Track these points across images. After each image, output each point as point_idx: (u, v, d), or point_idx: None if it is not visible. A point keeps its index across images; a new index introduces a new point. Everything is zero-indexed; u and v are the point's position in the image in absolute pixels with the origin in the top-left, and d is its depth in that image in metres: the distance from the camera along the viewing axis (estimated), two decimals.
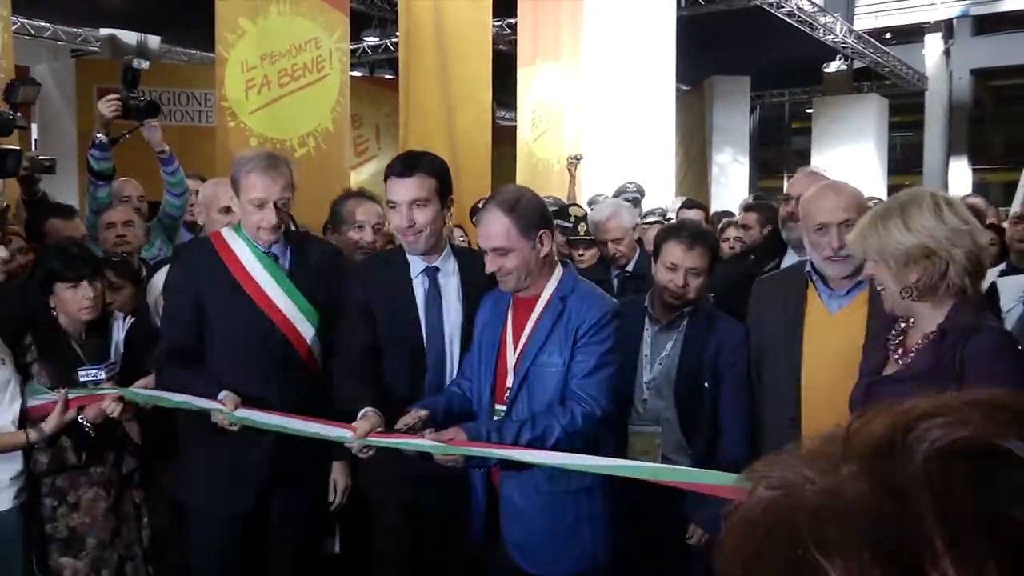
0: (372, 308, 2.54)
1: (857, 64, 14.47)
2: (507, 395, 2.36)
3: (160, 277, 2.92)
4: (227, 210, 3.16)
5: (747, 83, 13.36)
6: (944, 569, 0.41)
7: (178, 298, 2.63)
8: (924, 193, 1.94)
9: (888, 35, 16.52)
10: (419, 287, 2.57)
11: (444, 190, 2.54)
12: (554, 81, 7.96)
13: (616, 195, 5.49)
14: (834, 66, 14.50)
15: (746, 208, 5.08)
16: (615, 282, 3.93)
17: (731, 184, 12.73)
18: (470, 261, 2.61)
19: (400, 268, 2.59)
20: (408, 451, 2.30)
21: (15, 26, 6.71)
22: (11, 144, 3.45)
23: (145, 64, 4.05)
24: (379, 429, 2.30)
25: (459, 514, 2.50)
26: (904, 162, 17.68)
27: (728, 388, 2.62)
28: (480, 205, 3.80)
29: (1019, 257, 4.28)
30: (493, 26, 7.28)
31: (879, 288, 2.02)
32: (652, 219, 5.12)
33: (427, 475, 2.41)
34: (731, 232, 4.87)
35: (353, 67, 8.99)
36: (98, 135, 3.81)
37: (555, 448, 2.22)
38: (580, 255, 4.05)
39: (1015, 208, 4.33)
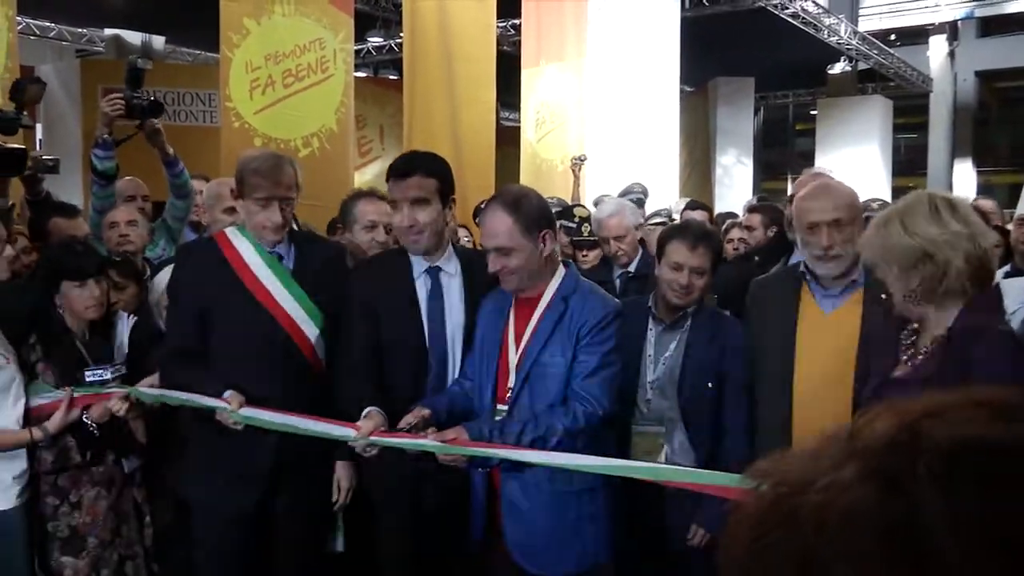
0: (375, 308, 2.54)
1: (861, 66, 14.43)
2: (509, 395, 2.36)
3: (164, 277, 2.93)
4: (231, 210, 3.16)
5: (751, 84, 13.31)
6: (951, 568, 0.41)
7: (182, 298, 2.63)
8: (924, 197, 1.94)
9: (893, 36, 16.52)
10: (421, 287, 2.57)
11: (445, 190, 2.54)
12: (558, 82, 7.96)
13: (621, 196, 5.47)
14: (838, 68, 14.45)
15: (750, 209, 5.07)
16: (617, 283, 3.91)
17: (735, 185, 12.70)
18: (473, 261, 2.60)
19: (402, 268, 2.58)
20: (410, 450, 2.31)
21: (20, 26, 6.71)
22: (16, 143, 3.46)
23: (149, 64, 4.05)
24: (382, 428, 2.30)
25: (460, 513, 2.50)
26: (908, 164, 17.66)
27: (731, 388, 2.62)
28: (483, 205, 3.80)
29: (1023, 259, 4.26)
30: (497, 27, 7.28)
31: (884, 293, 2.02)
32: (657, 220, 5.10)
33: (428, 474, 2.41)
34: (735, 233, 4.85)
35: (357, 68, 9.00)
36: (101, 134, 3.81)
37: (557, 448, 2.22)
38: (584, 256, 4.04)
39: (1020, 210, 4.30)
